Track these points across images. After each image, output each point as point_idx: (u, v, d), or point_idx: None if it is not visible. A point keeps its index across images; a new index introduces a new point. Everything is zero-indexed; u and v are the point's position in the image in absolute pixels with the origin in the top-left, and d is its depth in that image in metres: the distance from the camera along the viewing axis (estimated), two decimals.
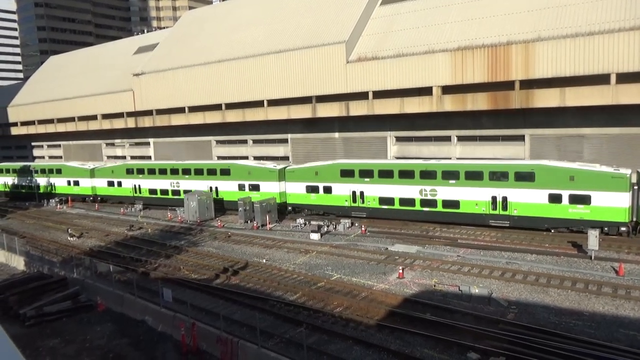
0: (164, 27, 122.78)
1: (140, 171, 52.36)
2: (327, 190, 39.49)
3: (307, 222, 38.73)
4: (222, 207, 46.11)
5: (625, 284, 22.19)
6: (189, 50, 58.55)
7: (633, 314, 19.27)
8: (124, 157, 69.17)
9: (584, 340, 16.81)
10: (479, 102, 36.88)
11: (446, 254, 28.65)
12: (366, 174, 37.47)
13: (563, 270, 24.63)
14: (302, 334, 16.86)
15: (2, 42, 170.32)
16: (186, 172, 48.47)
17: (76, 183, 58.96)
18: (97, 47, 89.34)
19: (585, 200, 29.62)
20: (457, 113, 39.27)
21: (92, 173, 57.39)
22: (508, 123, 38.49)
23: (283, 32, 50.28)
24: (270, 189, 42.58)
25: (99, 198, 57.07)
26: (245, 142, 55.62)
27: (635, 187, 29.67)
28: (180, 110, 56.55)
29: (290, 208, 42.06)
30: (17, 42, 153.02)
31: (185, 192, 46.70)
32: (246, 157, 54.99)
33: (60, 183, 60.98)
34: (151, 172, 51.48)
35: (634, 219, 29.59)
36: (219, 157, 57.68)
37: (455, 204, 33.99)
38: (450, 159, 41.07)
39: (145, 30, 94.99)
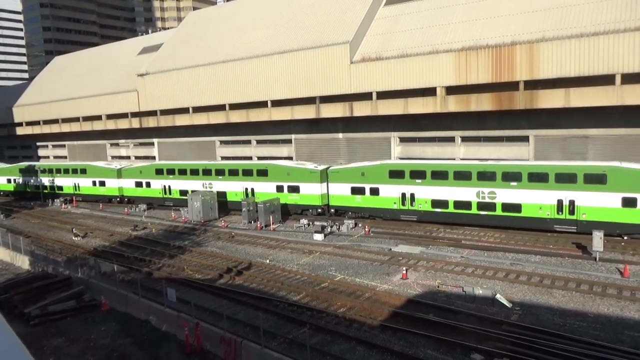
0: (168, 28, 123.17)
1: (171, 171, 50.48)
2: (374, 192, 37.59)
3: (310, 223, 38.72)
4: (225, 207, 46.20)
5: (630, 286, 22.07)
6: (193, 50, 58.70)
7: (638, 315, 19.17)
8: (128, 158, 69.41)
9: (589, 341, 16.73)
10: (483, 103, 36.80)
11: (450, 255, 28.59)
12: (418, 175, 35.54)
13: (567, 272, 24.53)
14: (306, 334, 16.86)
15: (8, 43, 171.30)
16: (219, 172, 46.63)
17: (102, 184, 56.85)
18: (102, 47, 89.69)
19: None
20: (461, 114, 39.19)
21: (119, 173, 55.33)
22: (512, 124, 38.38)
23: (287, 33, 50.33)
24: (311, 190, 40.61)
25: (126, 199, 55.30)
26: (249, 142, 55.71)
27: None
28: (185, 110, 56.71)
29: (332, 211, 40.32)
30: (23, 42, 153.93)
31: (219, 193, 45.39)
32: (250, 158, 55.08)
33: (85, 184, 58.86)
34: (182, 172, 49.59)
35: None
36: (223, 158, 57.79)
37: (516, 207, 32.02)
38: (454, 159, 41.01)
39: (150, 31, 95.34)
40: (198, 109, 55.51)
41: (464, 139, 41.22)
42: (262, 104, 49.83)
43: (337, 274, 26.36)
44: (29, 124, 79.04)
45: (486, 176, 33.00)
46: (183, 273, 28.37)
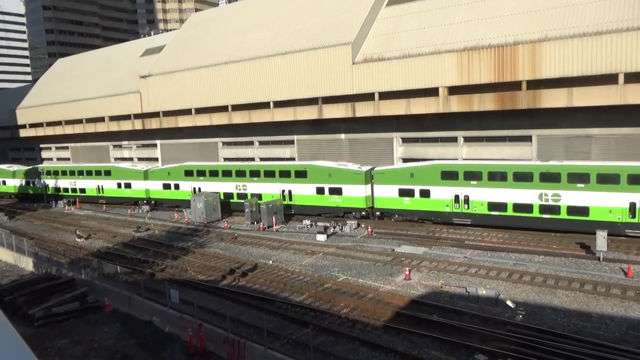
0: (170, 29, 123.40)
1: (201, 173, 48.35)
2: (425, 194, 35.57)
3: (313, 224, 38.72)
4: (229, 208, 46.20)
5: (635, 286, 21.98)
6: (196, 52, 58.82)
7: None
8: (131, 159, 69.57)
9: (593, 342, 16.68)
10: (486, 103, 36.74)
11: (453, 256, 28.54)
12: (473, 176, 33.67)
13: (571, 272, 24.46)
14: (309, 335, 16.86)
15: (11, 45, 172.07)
16: (254, 174, 44.54)
17: (128, 186, 54.46)
18: (105, 49, 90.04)
19: None
20: (463, 114, 39.14)
21: (146, 175, 53.24)
22: (515, 124, 38.31)
23: (289, 34, 50.38)
24: (354, 192, 38.66)
25: (152, 202, 52.98)
26: (251, 143, 55.77)
27: None
28: (187, 111, 56.82)
29: (378, 214, 38.48)
30: (26, 44, 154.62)
31: (253, 195, 43.91)
32: (252, 159, 55.13)
33: (109, 186, 56.45)
34: (213, 174, 47.49)
35: None
36: (226, 159, 57.86)
37: (583, 210, 30.21)
38: (456, 159, 40.96)
39: (152, 33, 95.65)
40: (200, 110, 55.62)
41: (467, 139, 41.16)
42: (264, 105, 49.87)
43: (340, 274, 26.34)
44: (32, 126, 79.34)
45: (550, 177, 31.11)
46: (186, 274, 28.41)
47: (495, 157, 38.97)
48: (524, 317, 19.48)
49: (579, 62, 33.11)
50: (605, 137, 35.29)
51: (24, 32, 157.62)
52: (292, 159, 51.49)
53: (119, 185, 55.48)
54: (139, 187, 53.76)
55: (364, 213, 38.69)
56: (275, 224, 38.97)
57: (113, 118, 65.86)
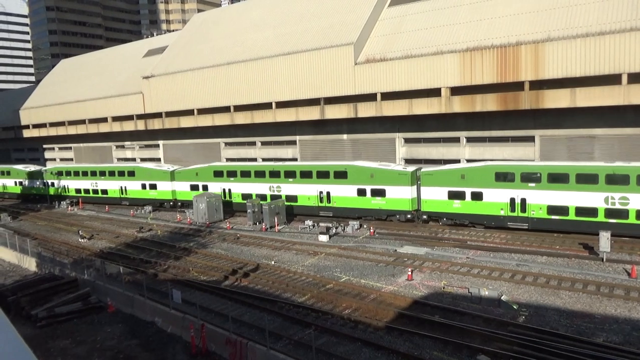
0: (173, 30, 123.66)
1: (232, 174, 46.37)
2: (477, 196, 33.67)
3: (315, 224, 38.71)
4: (231, 208, 46.22)
5: (638, 287, 21.89)
6: (198, 52, 58.92)
7: None
8: (133, 159, 69.72)
9: (596, 343, 16.63)
10: (488, 103, 36.68)
11: (455, 256, 28.50)
12: (531, 177, 31.80)
13: (574, 273, 24.38)
14: (311, 336, 16.85)
15: (15, 46, 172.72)
16: (290, 174, 42.52)
17: (153, 187, 52.38)
18: (107, 50, 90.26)
19: None
20: (466, 114, 39.09)
21: (173, 175, 51.36)
22: (518, 124, 38.24)
23: (291, 34, 50.42)
24: (399, 194, 36.73)
25: (179, 203, 50.98)
26: (253, 144, 55.83)
27: None
28: (190, 112, 56.91)
29: (425, 217, 36.59)
30: (29, 45, 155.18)
31: (288, 197, 42.44)
32: (255, 159, 55.17)
33: (133, 187, 54.33)
34: (245, 174, 45.43)
35: None
36: (228, 159, 57.93)
37: None
38: (459, 160, 40.91)
39: (155, 33, 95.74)
40: (203, 111, 55.71)
41: (469, 140, 41.10)
42: (266, 106, 49.91)
43: (342, 275, 26.33)
44: (35, 126, 79.61)
45: (616, 179, 29.38)
46: (188, 275, 28.44)
47: (498, 157, 38.90)
48: (526, 317, 19.43)
49: (582, 63, 33.01)
50: (609, 137, 35.19)
51: (27, 33, 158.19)
52: (295, 159, 51.51)
53: (144, 187, 53.46)
54: (165, 188, 51.76)
55: (409, 216, 36.90)
56: (278, 225, 38.99)
57: (116, 119, 66.02)
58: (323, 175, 40.78)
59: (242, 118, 52.03)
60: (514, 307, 20.38)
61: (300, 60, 46.76)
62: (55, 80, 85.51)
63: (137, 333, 20.65)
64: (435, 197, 35.57)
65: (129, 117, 63.99)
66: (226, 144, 58.61)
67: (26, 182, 67.52)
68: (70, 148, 79.96)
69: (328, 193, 40.46)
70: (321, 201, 40.89)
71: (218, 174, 47.53)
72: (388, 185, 37.25)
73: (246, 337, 17.67)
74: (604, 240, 25.43)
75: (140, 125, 62.80)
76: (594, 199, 29.95)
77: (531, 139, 38.23)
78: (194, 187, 49.42)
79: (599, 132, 35.43)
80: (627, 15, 32.49)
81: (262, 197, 43.85)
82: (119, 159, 72.30)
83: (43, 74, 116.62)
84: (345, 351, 17.46)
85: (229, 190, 46.65)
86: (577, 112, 34.92)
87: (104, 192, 57.74)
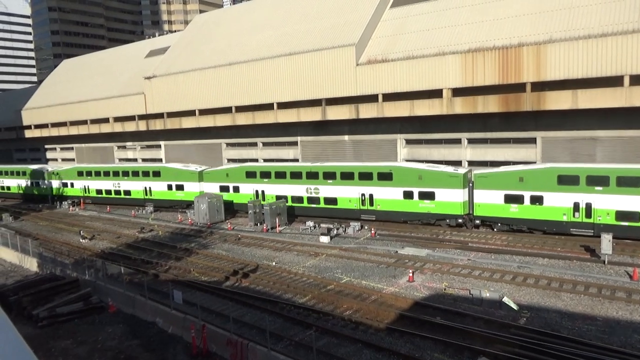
0: (175, 31, 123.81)
1: (265, 174, 44.06)
2: (536, 200, 31.59)
3: (316, 225, 38.70)
4: (232, 208, 46.19)
5: None
6: (200, 53, 59.00)
7: None
8: (135, 160, 69.82)
9: (597, 345, 16.58)
10: (490, 105, 36.66)
11: (456, 258, 28.46)
12: (598, 180, 29.63)
13: (576, 275, 24.33)
14: (312, 337, 16.83)
15: (17, 46, 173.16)
16: (329, 176, 40.13)
17: (179, 188, 50.23)
18: (109, 50, 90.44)
19: None
20: (467, 115, 39.06)
21: (201, 176, 49.26)
22: (519, 125, 38.20)
23: (293, 35, 50.46)
24: (450, 197, 34.59)
25: None
26: (255, 144, 55.87)
27: None
28: (191, 113, 56.97)
29: (478, 222, 34.45)
30: (32, 46, 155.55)
31: (327, 200, 40.41)
32: (256, 160, 55.20)
33: (158, 188, 52.13)
34: (280, 175, 43.15)
35: None
36: (229, 160, 57.96)
37: None
38: (460, 162, 40.88)
39: (157, 34, 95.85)
40: (204, 112, 55.77)
41: (471, 141, 41.07)
42: (268, 106, 49.94)
43: (343, 276, 26.31)
44: (37, 126, 79.77)
45: None
46: (189, 275, 28.45)
47: (499, 159, 38.85)
48: (528, 319, 19.39)
49: (584, 64, 32.98)
50: (611, 139, 35.13)
51: (29, 34, 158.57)
52: (296, 160, 51.52)
53: (170, 187, 51.27)
54: (192, 189, 49.41)
55: (460, 220, 34.87)
56: (279, 225, 38.98)
57: (117, 119, 66.13)
58: (366, 176, 38.52)
59: (243, 119, 52.07)
60: (515, 308, 20.33)
61: (301, 61, 46.78)
62: (57, 81, 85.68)
63: (138, 333, 20.66)
64: (489, 200, 33.45)
65: (131, 118, 64.09)
66: (227, 144, 58.65)
67: (45, 182, 65.15)
68: (72, 148, 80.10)
69: (371, 195, 38.26)
70: (363, 204, 38.72)
71: (250, 174, 45.42)
72: (438, 187, 35.07)
73: (247, 338, 17.66)
74: (606, 242, 25.37)
75: (142, 125, 62.88)
76: None
77: (533, 140, 38.19)
78: (224, 188, 47.37)
79: (600, 134, 35.38)
80: (629, 17, 32.46)
81: (299, 199, 42.04)
82: (120, 160, 72.37)
83: (45, 74, 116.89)
84: (346, 352, 17.44)
85: (262, 192, 44.51)
86: (579, 113, 34.87)
87: (127, 193, 55.67)
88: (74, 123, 72.69)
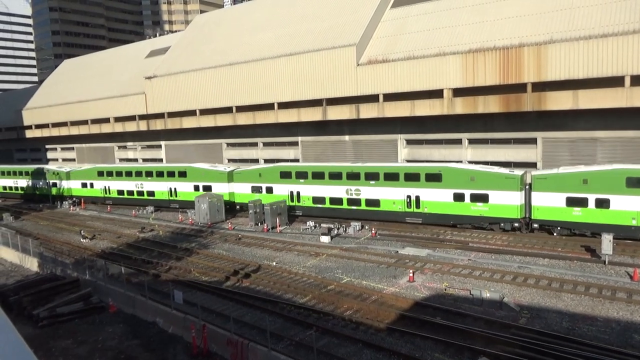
0: (175, 31, 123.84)
1: (302, 175, 42.03)
2: (602, 204, 29.72)
3: (317, 225, 38.68)
4: (233, 208, 46.15)
5: None
6: (200, 53, 59.02)
7: None
8: (135, 160, 69.84)
9: (598, 346, 16.57)
10: (491, 105, 36.65)
11: (457, 258, 28.46)
12: None
13: (576, 275, 24.31)
14: (312, 337, 16.83)
15: (18, 47, 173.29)
16: (371, 177, 38.17)
17: (207, 189, 48.27)
18: (110, 50, 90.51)
19: None
20: (468, 116, 39.05)
21: (230, 177, 47.22)
22: (520, 126, 38.19)
23: (294, 36, 50.47)
24: (505, 200, 32.69)
25: (237, 207, 47.11)
26: (255, 144, 55.88)
27: None
28: (192, 113, 56.99)
29: (536, 226, 32.41)
30: (32, 46, 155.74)
31: (368, 201, 38.45)
32: (257, 160, 55.21)
33: (184, 188, 50.04)
34: (317, 176, 41.05)
35: None
36: (230, 160, 57.96)
37: None
38: (461, 162, 40.86)
39: (158, 34, 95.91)
40: (205, 112, 55.79)
41: (471, 141, 41.07)
42: (268, 106, 49.96)
43: (344, 276, 26.31)
44: (38, 126, 79.84)
45: None
46: (190, 275, 28.45)
47: (500, 159, 38.82)
48: (528, 320, 19.38)
49: (585, 65, 32.97)
50: (611, 139, 35.11)
51: (30, 34, 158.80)
52: (297, 160, 51.51)
53: (196, 188, 49.13)
54: (221, 190, 47.15)
55: (516, 224, 32.91)
56: (279, 225, 38.98)
57: (118, 119, 66.17)
58: (412, 177, 36.55)
59: (244, 119, 52.08)
60: (516, 309, 20.32)
61: (302, 61, 46.79)
62: (58, 81, 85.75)
63: (138, 333, 20.67)
64: (549, 203, 31.55)
65: (132, 118, 64.13)
66: (228, 144, 58.67)
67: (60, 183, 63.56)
68: (73, 148, 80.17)
69: (417, 197, 36.29)
70: (408, 206, 36.79)
71: (285, 175, 43.29)
72: (492, 189, 33.24)
73: (247, 338, 17.66)
74: (606, 243, 25.36)
75: (143, 125, 62.91)
76: None
77: (533, 140, 38.18)
78: (256, 189, 45.27)
79: (601, 135, 35.36)
80: (630, 18, 32.45)
81: (338, 201, 40.10)
82: (121, 160, 72.40)
83: (46, 74, 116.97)
84: (346, 352, 17.44)
85: (297, 193, 42.41)
86: (579, 114, 34.86)
87: (151, 194, 53.60)
88: (74, 123, 72.74)
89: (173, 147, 64.65)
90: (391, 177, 37.51)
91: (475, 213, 34.07)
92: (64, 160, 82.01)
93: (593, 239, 29.48)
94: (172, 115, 59.26)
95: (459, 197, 34.54)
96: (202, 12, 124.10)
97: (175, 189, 51.08)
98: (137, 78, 64.98)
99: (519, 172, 33.76)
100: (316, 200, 41.37)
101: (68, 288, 25.98)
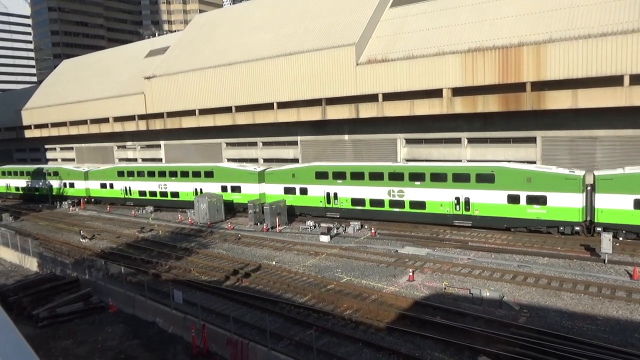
0: (175, 31, 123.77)
1: (339, 175, 40.04)
2: None
3: (316, 225, 38.69)
4: (232, 209, 46.15)
5: None
6: (200, 53, 58.99)
7: None
8: (135, 160, 69.80)
9: (597, 344, 16.59)
10: (490, 104, 36.67)
11: (457, 257, 28.47)
12: None
13: (576, 274, 24.33)
14: (312, 337, 16.84)
15: (17, 47, 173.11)
16: (415, 177, 36.28)
17: (236, 189, 46.65)
18: (109, 50, 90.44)
19: None
20: (467, 115, 39.07)
21: (261, 177, 45.48)
22: (519, 125, 38.22)
23: (293, 35, 50.46)
24: (565, 202, 30.78)
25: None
26: (255, 144, 55.87)
27: None
28: (191, 112, 56.97)
29: (600, 229, 29.92)
30: (31, 46, 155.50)
31: (413, 203, 36.47)
32: (256, 160, 55.19)
33: (210, 189, 47.92)
34: (356, 176, 39.08)
35: None
36: (229, 160, 57.95)
37: None
38: (460, 161, 40.88)
39: (157, 34, 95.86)
40: (204, 111, 55.77)
41: (471, 140, 41.08)
42: (268, 106, 49.95)
43: (344, 275, 26.32)
44: (37, 126, 79.77)
45: None
46: (190, 275, 28.45)
47: (500, 158, 38.84)
48: (528, 319, 19.40)
49: (584, 64, 32.99)
50: (611, 138, 35.14)
51: (29, 34, 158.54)
52: (296, 160, 51.50)
53: (224, 189, 47.41)
54: (251, 191, 45.60)
55: (577, 228, 31.10)
56: (279, 225, 38.98)
57: (117, 119, 66.13)
58: (462, 178, 34.64)
59: (243, 118, 52.07)
60: (516, 308, 20.34)
61: (301, 61, 46.78)
62: (57, 81, 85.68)
63: (138, 333, 20.67)
64: (615, 206, 29.63)
65: (131, 118, 64.10)
66: (227, 144, 58.66)
67: (77, 184, 61.91)
68: (72, 148, 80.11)
69: (467, 199, 34.42)
70: (457, 209, 35.01)
71: (321, 175, 41.22)
72: (550, 191, 31.36)
73: (247, 338, 17.67)
74: (606, 241, 25.38)
75: (142, 125, 62.88)
76: None
77: (533, 140, 38.20)
78: (289, 190, 43.16)
79: (600, 134, 35.39)
80: (629, 17, 32.47)
81: (379, 202, 38.01)
82: (120, 159, 72.35)
83: (45, 74, 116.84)
84: (346, 352, 17.45)
85: (335, 194, 40.41)
86: (578, 113, 34.89)
87: (175, 194, 51.66)
88: (73, 123, 72.68)
89: (172, 147, 64.64)
90: (438, 177, 35.69)
91: (532, 216, 32.13)
92: (63, 160, 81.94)
93: (593, 239, 29.50)
94: (171, 115, 59.24)
95: (513, 199, 32.67)
96: (201, 11, 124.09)
97: (201, 189, 48.81)
98: (137, 78, 64.94)
99: (579, 172, 31.93)
100: (355, 202, 39.38)
101: (68, 288, 25.99)
